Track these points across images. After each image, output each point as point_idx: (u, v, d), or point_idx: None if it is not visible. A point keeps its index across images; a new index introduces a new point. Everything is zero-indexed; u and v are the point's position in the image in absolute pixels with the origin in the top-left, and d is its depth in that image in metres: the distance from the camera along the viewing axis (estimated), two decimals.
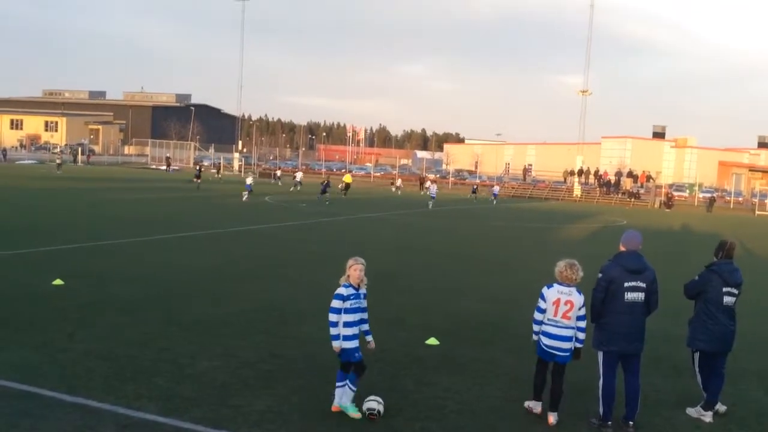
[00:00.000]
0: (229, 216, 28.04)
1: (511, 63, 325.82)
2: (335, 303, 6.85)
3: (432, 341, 9.79)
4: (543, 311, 7.05)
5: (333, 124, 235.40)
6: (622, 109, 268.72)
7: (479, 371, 8.64)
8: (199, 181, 46.64)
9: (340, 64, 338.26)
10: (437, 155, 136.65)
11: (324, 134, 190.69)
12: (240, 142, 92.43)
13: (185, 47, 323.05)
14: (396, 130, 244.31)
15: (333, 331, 6.84)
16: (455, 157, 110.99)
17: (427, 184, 45.50)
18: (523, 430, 6.84)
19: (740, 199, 73.29)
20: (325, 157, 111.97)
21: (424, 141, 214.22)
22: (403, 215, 34.44)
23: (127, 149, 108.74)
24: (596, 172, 73.00)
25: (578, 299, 7.00)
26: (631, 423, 6.96)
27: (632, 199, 63.35)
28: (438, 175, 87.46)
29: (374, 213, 34.45)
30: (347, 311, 6.82)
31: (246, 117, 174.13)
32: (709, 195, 66.37)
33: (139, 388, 7.24)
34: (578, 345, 7.04)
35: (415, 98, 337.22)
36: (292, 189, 48.50)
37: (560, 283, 7.04)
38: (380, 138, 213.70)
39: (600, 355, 7.12)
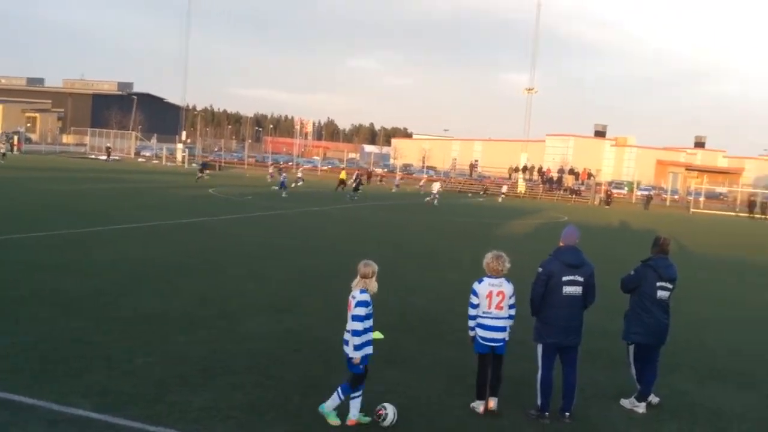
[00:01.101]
0: (171, 208, 27.48)
1: (459, 60, 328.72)
2: (360, 311, 6.49)
3: (377, 335, 9.76)
4: (476, 306, 7.15)
5: (281, 116, 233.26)
6: (566, 107, 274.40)
7: (424, 365, 8.69)
8: (203, 174, 47.03)
9: (289, 56, 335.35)
10: (385, 150, 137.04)
11: (271, 126, 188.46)
12: (184, 133, 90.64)
13: (128, 34, 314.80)
14: (344, 124, 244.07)
15: (357, 340, 6.46)
16: (403, 152, 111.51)
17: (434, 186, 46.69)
18: (466, 422, 6.90)
19: (676, 197, 75.72)
20: (273, 149, 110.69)
21: (372, 135, 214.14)
22: (354, 209, 34.37)
23: (66, 138, 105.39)
24: (540, 169, 74.34)
25: (509, 289, 7.14)
26: (567, 414, 7.12)
27: (573, 196, 64.76)
28: (386, 170, 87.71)
29: (325, 207, 34.28)
30: (368, 317, 6.60)
31: (190, 107, 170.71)
32: (646, 193, 68.30)
33: (70, 384, 7.02)
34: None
35: (365, 92, 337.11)
36: (293, 185, 46.35)
37: (489, 276, 7.15)
38: (328, 131, 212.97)
39: (539, 347, 7.26)
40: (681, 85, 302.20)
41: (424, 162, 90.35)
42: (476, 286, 7.18)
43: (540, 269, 7.20)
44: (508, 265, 7.19)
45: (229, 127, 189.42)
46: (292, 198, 37.29)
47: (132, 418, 6.30)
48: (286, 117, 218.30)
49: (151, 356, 8.17)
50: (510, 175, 75.46)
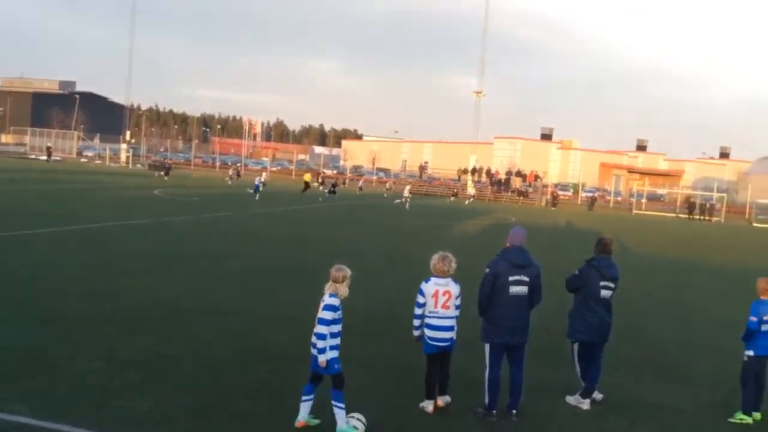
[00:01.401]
0: (115, 209, 26.85)
1: (410, 62, 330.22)
2: (327, 314, 6.43)
3: None
4: (422, 306, 7.23)
5: (228, 116, 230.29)
6: (514, 110, 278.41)
7: (371, 366, 8.70)
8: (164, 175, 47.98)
9: (238, 56, 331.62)
10: (335, 151, 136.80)
11: (219, 127, 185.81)
12: (128, 133, 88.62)
13: (70, 32, 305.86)
14: (294, 125, 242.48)
15: (321, 344, 6.40)
16: (353, 154, 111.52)
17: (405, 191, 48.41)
18: (415, 422, 6.94)
19: (619, 198, 77.73)
20: (220, 150, 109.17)
21: (322, 136, 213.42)
22: (305, 210, 34.18)
23: (4, 138, 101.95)
24: (488, 171, 75.33)
25: (455, 289, 7.22)
26: (514, 411, 7.24)
27: (521, 198, 65.84)
28: (336, 171, 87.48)
29: (274, 208, 33.99)
30: (335, 322, 6.53)
31: (135, 107, 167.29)
32: (590, 194, 69.94)
33: (7, 390, 6.79)
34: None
35: (314, 93, 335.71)
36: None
37: (436, 276, 7.23)
38: (277, 132, 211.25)
39: (486, 347, 7.35)
40: (624, 88, 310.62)
41: (374, 164, 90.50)
42: (423, 285, 7.25)
43: (487, 270, 7.30)
44: (454, 265, 7.27)
45: (176, 127, 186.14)
46: (251, 200, 36.88)
47: (74, 423, 6.14)
48: (235, 117, 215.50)
49: (94, 361, 7.97)
50: (459, 177, 76.25)
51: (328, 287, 6.60)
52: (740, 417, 7.69)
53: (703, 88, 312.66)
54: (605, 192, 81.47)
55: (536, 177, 73.09)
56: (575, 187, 78.19)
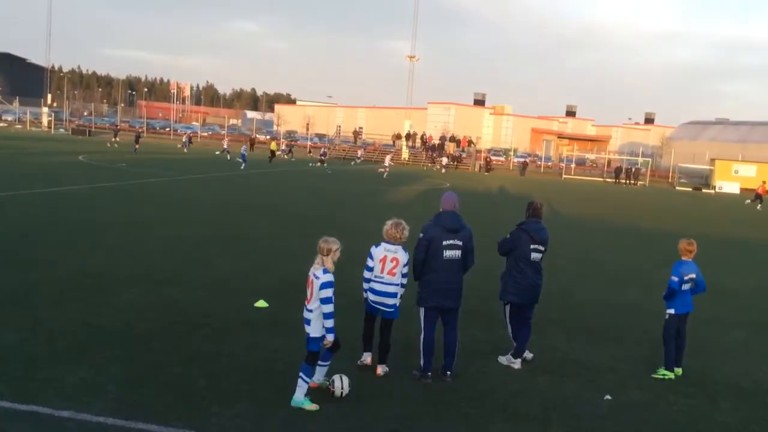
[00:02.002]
0: (37, 177, 25.77)
1: (343, 26, 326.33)
2: (329, 292, 6.29)
3: (261, 303, 9.70)
4: (371, 269, 7.31)
5: (156, 79, 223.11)
6: (449, 76, 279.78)
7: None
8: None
9: (165, 16, 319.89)
10: (268, 116, 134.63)
11: (145, 90, 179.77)
12: (49, 96, 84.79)
13: None
14: (225, 89, 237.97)
15: (329, 323, 6.32)
16: (286, 118, 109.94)
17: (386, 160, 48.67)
18: (352, 384, 7.00)
19: (550, 163, 79.50)
20: (147, 114, 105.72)
21: (254, 101, 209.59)
22: (234, 176, 33.59)
23: None
24: (422, 136, 75.62)
25: (403, 257, 7.28)
26: (448, 373, 7.40)
27: (455, 163, 66.46)
28: (269, 137, 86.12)
29: (199, 174, 33.27)
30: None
31: (56, 69, 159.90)
32: (522, 159, 71.24)
33: None
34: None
35: (246, 56, 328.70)
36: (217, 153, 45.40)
37: (387, 242, 7.27)
38: (207, 96, 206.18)
39: (421, 311, 7.46)
40: (554, 55, 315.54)
41: (308, 129, 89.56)
42: (373, 250, 7.34)
43: (421, 234, 7.37)
44: (407, 233, 7.33)
45: (100, 90, 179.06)
46: (174, 167, 35.96)
47: (0, 397, 5.93)
48: (162, 80, 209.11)
49: (19, 332, 7.71)
50: (393, 142, 76.28)
51: (318, 262, 6.45)
52: (663, 373, 8.07)
53: (630, 55, 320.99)
54: (536, 157, 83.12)
55: (469, 142, 73.87)
56: (507, 152, 79.48)
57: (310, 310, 6.41)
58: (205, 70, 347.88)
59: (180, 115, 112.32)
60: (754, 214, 37.81)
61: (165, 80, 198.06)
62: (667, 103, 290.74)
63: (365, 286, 7.40)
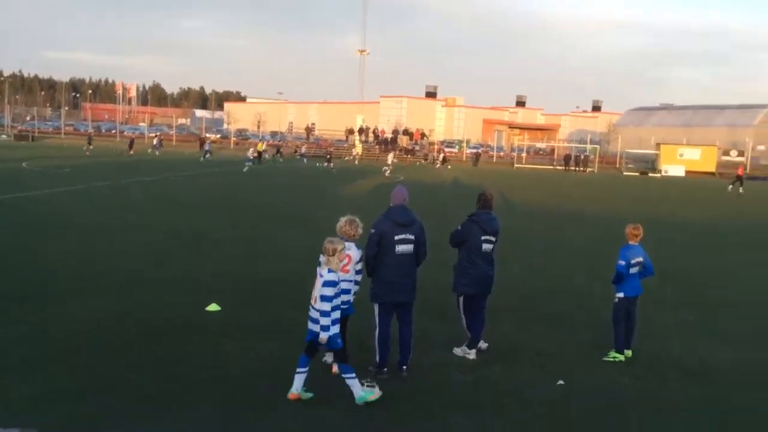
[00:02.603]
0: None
1: (292, 21, 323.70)
2: (329, 291, 6.34)
3: (213, 307, 9.56)
4: None
5: (100, 80, 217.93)
6: (400, 69, 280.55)
7: (263, 332, 8.63)
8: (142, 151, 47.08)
9: (108, 16, 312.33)
10: (217, 114, 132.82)
11: (90, 92, 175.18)
12: None
13: None
14: (172, 88, 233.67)
15: (325, 321, 6.35)
16: (237, 116, 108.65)
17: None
18: (311, 384, 6.95)
19: (502, 153, 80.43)
20: (93, 116, 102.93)
21: (203, 99, 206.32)
22: (195, 176, 33.05)
23: None
24: (375, 130, 75.69)
25: (356, 253, 7.26)
26: (404, 367, 7.42)
27: (408, 156, 66.69)
28: (219, 135, 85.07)
29: (155, 176, 32.66)
30: (337, 296, 6.41)
31: None
32: (474, 150, 71.94)
33: None
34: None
35: (194, 54, 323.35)
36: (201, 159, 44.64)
37: (342, 238, 7.23)
38: (154, 96, 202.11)
39: (376, 307, 7.46)
40: (504, 46, 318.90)
41: (259, 126, 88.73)
42: None
43: (372, 230, 7.36)
44: (360, 230, 7.31)
45: (42, 93, 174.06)
46: (145, 166, 35.18)
47: None
48: (107, 81, 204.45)
49: None
50: (347, 137, 76.18)
51: (325, 262, 6.49)
52: (613, 356, 8.25)
53: (576, 44, 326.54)
54: (489, 147, 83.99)
55: (422, 135, 74.25)
56: (460, 143, 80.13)
57: (318, 310, 6.44)
58: (151, 70, 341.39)
59: (127, 116, 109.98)
60: (701, 195, 38.91)
61: (110, 81, 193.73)
62: (613, 90, 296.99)
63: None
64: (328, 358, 7.53)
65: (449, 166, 57.42)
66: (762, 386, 7.57)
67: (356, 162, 43.68)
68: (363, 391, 6.50)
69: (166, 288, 10.67)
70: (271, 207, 22.89)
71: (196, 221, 18.21)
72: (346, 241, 7.24)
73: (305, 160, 54.98)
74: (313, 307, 6.54)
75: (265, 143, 57.31)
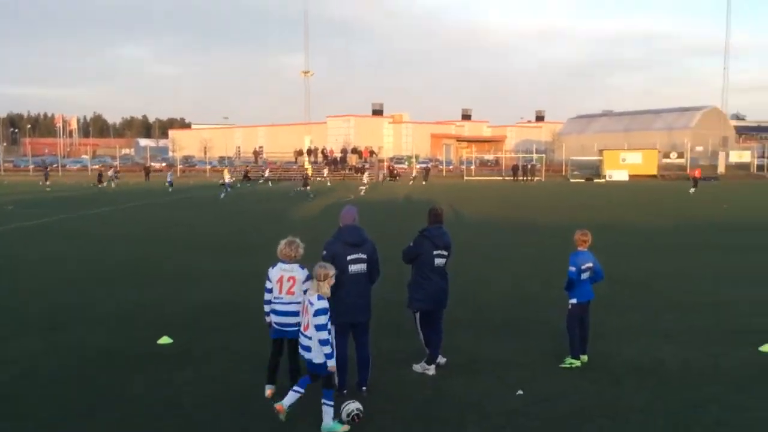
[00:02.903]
0: None
1: (234, 46, 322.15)
2: (321, 319, 6.35)
3: (164, 340, 9.35)
4: (270, 291, 7.21)
5: (39, 114, 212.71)
6: (345, 88, 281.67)
7: (217, 361, 8.48)
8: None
9: (45, 49, 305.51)
10: (162, 142, 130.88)
11: (29, 126, 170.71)
12: None
13: None
14: (114, 118, 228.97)
15: (327, 349, 6.38)
16: (182, 143, 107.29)
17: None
18: (266, 412, 6.86)
19: (451, 167, 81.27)
20: (33, 151, 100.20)
21: (146, 128, 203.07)
22: (124, 208, 32.39)
23: None
24: (323, 150, 75.67)
25: (300, 274, 7.18)
26: (363, 388, 7.38)
27: (359, 174, 66.78)
28: (166, 164, 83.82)
29: (103, 208, 31.90)
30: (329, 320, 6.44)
31: None
32: (423, 165, 72.49)
33: None
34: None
35: (134, 83, 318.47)
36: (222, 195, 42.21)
37: (283, 261, 7.18)
38: (96, 127, 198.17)
39: (332, 329, 7.38)
40: (448, 60, 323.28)
41: (206, 152, 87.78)
42: (270, 271, 7.24)
43: (324, 252, 7.32)
44: (301, 251, 7.25)
45: None
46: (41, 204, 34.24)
47: None
48: (46, 115, 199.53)
49: None
50: (296, 158, 75.93)
51: (313, 288, 6.48)
52: (570, 362, 8.35)
53: (518, 55, 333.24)
54: (438, 162, 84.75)
55: (371, 152, 74.48)
56: (409, 159, 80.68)
57: (309, 337, 6.42)
58: (91, 101, 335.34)
59: (68, 149, 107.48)
60: (641, 199, 39.94)
61: (49, 115, 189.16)
62: (555, 99, 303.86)
63: (266, 308, 7.29)
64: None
65: (424, 182, 57.79)
66: (709, 382, 7.76)
67: (328, 183, 43.56)
68: (333, 424, 6.42)
69: (118, 317, 10.40)
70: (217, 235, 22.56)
71: (142, 251, 17.82)
72: (288, 263, 7.18)
73: (270, 183, 54.54)
74: (303, 335, 6.49)
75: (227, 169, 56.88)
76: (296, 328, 7.17)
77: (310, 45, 73.74)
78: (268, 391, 7.29)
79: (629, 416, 6.80)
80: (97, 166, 69.18)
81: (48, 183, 49.45)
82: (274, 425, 6.49)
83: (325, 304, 6.43)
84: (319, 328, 6.36)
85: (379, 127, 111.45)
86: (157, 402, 7.13)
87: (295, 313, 7.16)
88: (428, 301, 8.11)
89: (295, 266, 7.19)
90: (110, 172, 57.67)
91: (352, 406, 6.61)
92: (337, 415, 6.50)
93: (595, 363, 8.37)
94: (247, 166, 69.62)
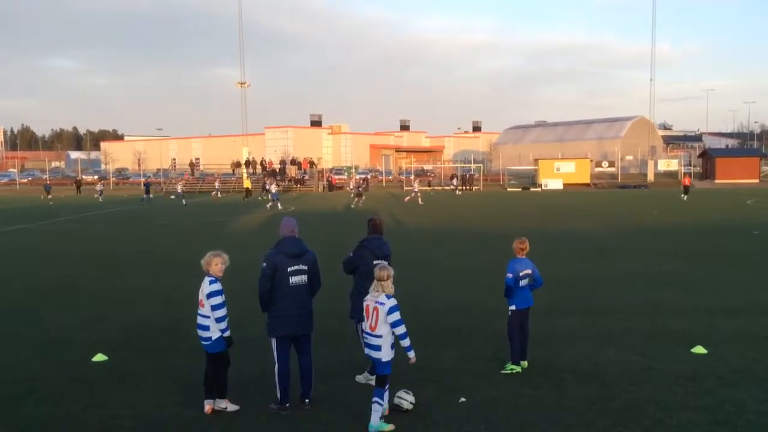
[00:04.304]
0: None
1: (167, 57, 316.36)
2: (398, 315, 6.65)
3: (99, 357, 9.02)
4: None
5: None
6: (283, 99, 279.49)
7: (153, 381, 8.22)
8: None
9: None
10: (94, 155, 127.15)
11: None
12: None
13: None
14: (43, 130, 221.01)
15: (406, 342, 6.73)
16: (115, 155, 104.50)
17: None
18: (203, 429, 6.67)
19: (391, 177, 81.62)
20: None
21: (77, 140, 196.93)
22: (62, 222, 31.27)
23: None
24: (262, 162, 74.91)
25: (205, 288, 7.11)
26: (307, 400, 7.28)
27: (298, 186, 66.42)
28: (98, 177, 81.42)
29: (28, 223, 30.68)
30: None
31: None
32: (362, 176, 72.58)
33: None
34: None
35: (64, 95, 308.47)
36: (269, 205, 41.21)
37: (208, 275, 7.16)
38: (24, 140, 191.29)
39: (273, 341, 7.28)
40: (386, 71, 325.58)
41: (140, 164, 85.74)
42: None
43: (264, 264, 7.21)
44: (222, 265, 7.17)
45: None
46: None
47: None
48: None
49: None
50: (233, 170, 74.90)
51: (376, 287, 6.70)
52: (510, 368, 8.44)
53: (453, 68, 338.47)
54: (378, 172, 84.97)
55: (311, 163, 74.18)
56: (349, 170, 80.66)
57: (378, 336, 6.61)
58: (17, 114, 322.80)
59: None
60: (579, 205, 40.99)
61: None
62: (491, 110, 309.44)
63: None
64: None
65: (330, 192, 57.51)
66: (647, 383, 7.96)
67: (414, 199, 43.24)
68: (381, 423, 6.63)
69: (50, 339, 9.97)
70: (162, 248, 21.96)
71: (54, 272, 17.20)
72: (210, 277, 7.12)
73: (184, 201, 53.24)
74: (371, 335, 6.67)
75: (250, 179, 56.05)
76: (207, 342, 7.14)
77: (246, 56, 73.19)
78: (207, 407, 7.14)
79: (570, 420, 6.90)
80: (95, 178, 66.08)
81: None
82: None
83: (395, 301, 6.68)
84: (396, 323, 6.60)
85: (318, 139, 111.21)
86: (93, 424, 6.84)
87: (205, 327, 7.12)
88: None
89: (205, 279, 7.18)
90: (98, 187, 54.95)
91: (405, 399, 7.07)
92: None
93: (536, 368, 8.48)
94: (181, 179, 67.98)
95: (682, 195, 44.17)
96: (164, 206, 43.88)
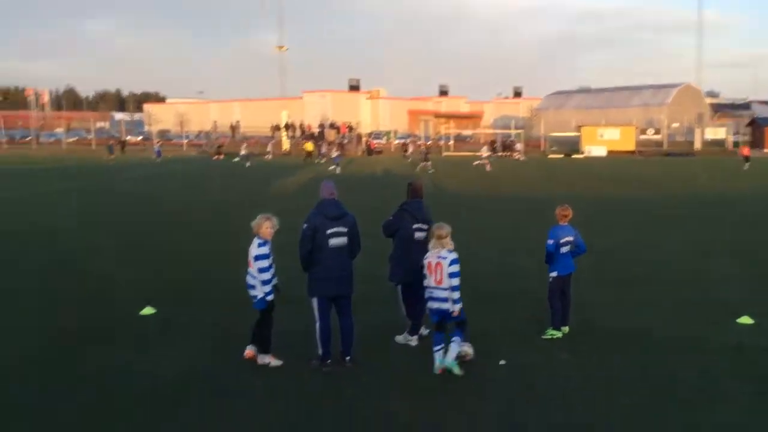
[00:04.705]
0: None
1: (207, 19, 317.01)
2: (458, 267, 7.22)
3: (148, 310, 9.28)
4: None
5: (9, 87, 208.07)
6: (322, 63, 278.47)
7: (199, 334, 8.43)
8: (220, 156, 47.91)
9: (10, 22, 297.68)
10: (137, 116, 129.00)
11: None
12: None
13: None
14: (87, 91, 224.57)
15: (456, 295, 7.15)
16: (158, 117, 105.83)
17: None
18: (248, 382, 6.83)
19: (429, 143, 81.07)
20: (5, 125, 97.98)
21: (120, 102, 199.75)
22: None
23: None
24: (301, 125, 75.15)
25: (253, 250, 7.26)
26: (347, 358, 7.40)
27: (339, 151, 66.37)
28: (141, 138, 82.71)
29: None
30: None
31: None
32: (403, 141, 72.24)
33: None
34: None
35: (107, 56, 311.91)
36: (331, 168, 41.32)
37: (257, 237, 7.28)
38: (69, 101, 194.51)
39: (314, 301, 7.38)
40: (423, 36, 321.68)
41: (182, 126, 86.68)
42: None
43: (305, 225, 7.28)
44: (271, 229, 7.30)
45: None
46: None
47: None
48: (17, 88, 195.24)
49: None
50: (273, 133, 75.29)
51: (436, 245, 7.15)
52: (551, 333, 8.42)
53: (495, 31, 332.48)
54: (416, 137, 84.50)
55: (349, 128, 74.11)
56: (388, 134, 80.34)
57: (445, 289, 7.07)
58: (61, 74, 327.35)
59: (41, 122, 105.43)
60: (624, 172, 40.25)
61: (20, 88, 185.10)
62: (533, 76, 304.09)
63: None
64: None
65: (369, 156, 57.33)
66: (691, 352, 7.88)
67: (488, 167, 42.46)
68: (453, 362, 7.03)
69: (100, 292, 10.27)
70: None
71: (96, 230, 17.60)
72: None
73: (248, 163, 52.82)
74: (438, 288, 7.10)
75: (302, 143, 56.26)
76: (253, 300, 7.38)
77: (284, 20, 72.85)
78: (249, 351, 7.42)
79: (610, 387, 6.88)
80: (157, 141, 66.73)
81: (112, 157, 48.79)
82: (267, 393, 6.44)
83: (456, 254, 7.22)
84: (453, 275, 7.05)
85: (356, 103, 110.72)
86: (138, 374, 7.06)
87: (252, 286, 7.37)
88: (409, 274, 8.08)
89: (254, 240, 7.36)
90: (156, 147, 55.31)
91: (467, 349, 7.33)
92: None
93: (578, 334, 8.44)
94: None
95: (745, 164, 42.84)
96: (231, 167, 44.37)
